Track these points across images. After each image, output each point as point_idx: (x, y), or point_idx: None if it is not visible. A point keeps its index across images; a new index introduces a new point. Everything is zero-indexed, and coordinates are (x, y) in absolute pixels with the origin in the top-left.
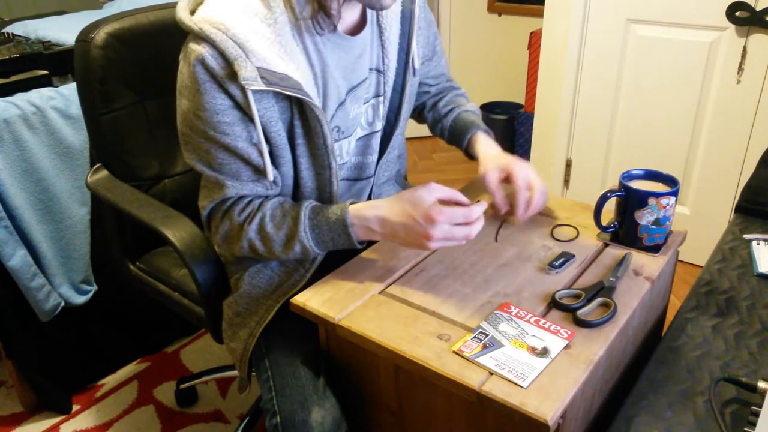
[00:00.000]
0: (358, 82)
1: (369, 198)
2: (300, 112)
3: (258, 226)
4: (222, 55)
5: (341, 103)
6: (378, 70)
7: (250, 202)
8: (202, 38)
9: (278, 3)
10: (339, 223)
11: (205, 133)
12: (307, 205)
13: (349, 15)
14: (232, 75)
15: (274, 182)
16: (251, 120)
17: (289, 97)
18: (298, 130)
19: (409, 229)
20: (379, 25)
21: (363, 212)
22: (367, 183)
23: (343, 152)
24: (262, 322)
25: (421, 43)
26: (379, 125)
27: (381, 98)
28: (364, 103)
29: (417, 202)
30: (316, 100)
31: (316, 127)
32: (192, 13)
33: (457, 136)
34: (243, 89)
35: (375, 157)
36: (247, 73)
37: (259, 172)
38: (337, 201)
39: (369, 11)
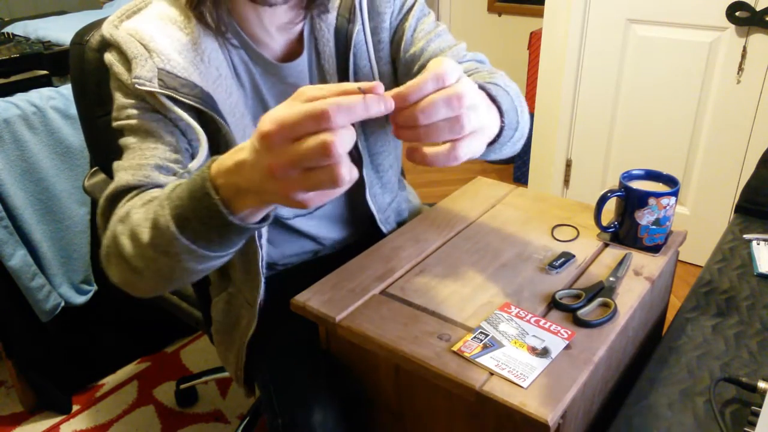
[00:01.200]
0: None
1: (370, 222)
2: (219, 130)
3: (126, 212)
4: (125, 56)
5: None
6: None
7: (144, 191)
8: (110, 44)
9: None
10: (197, 180)
11: (122, 128)
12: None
13: (281, 40)
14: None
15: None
16: (164, 111)
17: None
18: (222, 150)
19: (254, 168)
20: (317, 49)
21: (225, 161)
22: (346, 204)
23: None
24: (241, 357)
25: (384, 59)
26: None
27: None
28: None
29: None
30: (243, 120)
31: (224, 147)
32: (118, 28)
33: None
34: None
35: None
36: (142, 72)
37: (179, 162)
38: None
39: (306, 34)
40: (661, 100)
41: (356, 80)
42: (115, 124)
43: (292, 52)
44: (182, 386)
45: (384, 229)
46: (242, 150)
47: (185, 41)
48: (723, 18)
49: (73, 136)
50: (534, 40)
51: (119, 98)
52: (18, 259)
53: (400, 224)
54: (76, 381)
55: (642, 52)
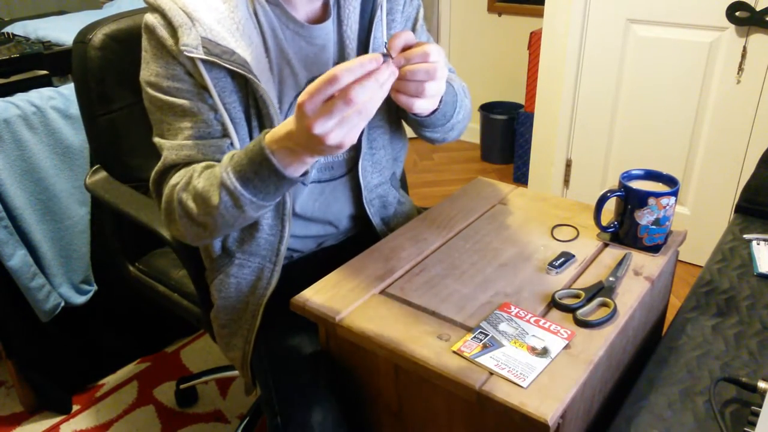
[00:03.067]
0: (320, 74)
1: (358, 204)
2: (253, 92)
3: (186, 182)
4: (170, 23)
5: (300, 92)
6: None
7: (192, 166)
8: (154, 8)
9: None
10: (256, 149)
11: (160, 100)
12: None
13: (308, 3)
14: (179, 42)
15: (229, 149)
16: (204, 87)
17: (243, 75)
18: (253, 110)
19: (300, 132)
20: (339, 18)
21: (277, 132)
22: (342, 182)
23: None
24: (253, 328)
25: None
26: None
27: None
28: None
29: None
30: (269, 84)
31: (264, 109)
32: None
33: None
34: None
35: (345, 155)
36: (188, 39)
37: (214, 137)
38: (297, 198)
39: (331, 1)
40: (661, 100)
41: (373, 51)
42: (151, 91)
43: (316, 17)
44: (182, 386)
45: (369, 212)
46: (289, 122)
47: (223, 10)
48: (723, 18)
49: (73, 136)
50: (534, 40)
51: (159, 65)
52: (18, 259)
53: (384, 220)
54: (76, 381)
55: (642, 52)
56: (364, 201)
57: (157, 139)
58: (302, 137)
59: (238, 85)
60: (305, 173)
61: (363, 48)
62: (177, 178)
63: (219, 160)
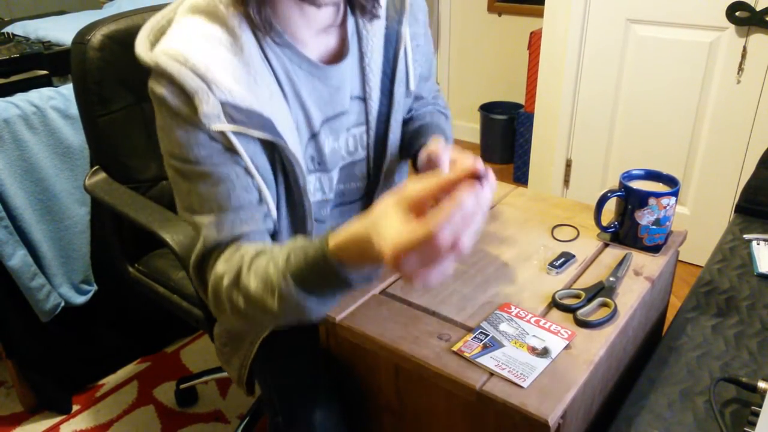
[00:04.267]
0: (335, 114)
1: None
2: (279, 151)
3: (236, 277)
4: (182, 90)
5: (314, 135)
6: (360, 98)
7: (236, 246)
8: (160, 74)
9: (241, 26)
10: (320, 261)
11: (188, 170)
12: (289, 246)
13: (322, 41)
14: (196, 111)
15: (268, 215)
16: (235, 152)
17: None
18: (280, 170)
19: (378, 258)
20: (360, 51)
21: (347, 245)
22: (354, 207)
23: (324, 187)
24: (249, 355)
25: (419, 61)
26: (362, 153)
27: (363, 127)
28: (346, 131)
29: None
30: (292, 134)
31: (289, 166)
32: (153, 45)
33: (417, 137)
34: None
35: (359, 184)
36: (207, 108)
37: (253, 204)
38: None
39: (350, 35)
40: (661, 100)
41: (398, 82)
42: (176, 162)
43: (333, 53)
44: (182, 386)
45: None
46: (363, 236)
47: (237, 63)
48: (723, 18)
49: (73, 136)
50: (534, 40)
51: (179, 135)
52: (18, 259)
53: None
54: (76, 381)
55: (642, 52)
56: None
57: (186, 215)
58: (379, 262)
59: (263, 145)
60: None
61: (389, 81)
62: (223, 266)
63: (262, 229)
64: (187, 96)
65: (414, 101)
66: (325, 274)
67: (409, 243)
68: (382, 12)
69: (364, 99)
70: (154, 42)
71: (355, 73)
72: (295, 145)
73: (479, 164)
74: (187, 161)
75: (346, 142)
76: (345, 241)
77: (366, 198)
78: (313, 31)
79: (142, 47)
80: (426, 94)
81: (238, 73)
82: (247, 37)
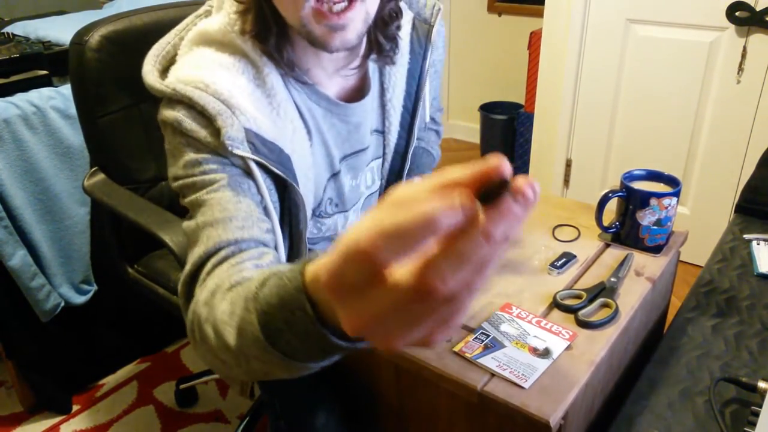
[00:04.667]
0: (353, 152)
1: None
2: (285, 188)
3: (210, 292)
4: (202, 113)
5: (334, 174)
6: (379, 131)
7: (238, 259)
8: (176, 101)
9: (263, 59)
10: (290, 287)
11: (196, 181)
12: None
13: (338, 82)
14: (217, 133)
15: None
16: (251, 177)
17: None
18: (286, 210)
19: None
20: (382, 86)
21: (322, 268)
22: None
23: (338, 226)
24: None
25: (433, 85)
26: (378, 184)
27: (380, 160)
28: (366, 166)
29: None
30: (303, 176)
31: (294, 209)
32: (163, 75)
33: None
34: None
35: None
36: (232, 132)
37: (260, 223)
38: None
39: (371, 72)
40: (661, 100)
41: (418, 115)
42: (183, 182)
43: (352, 90)
44: (182, 386)
45: None
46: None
47: (260, 95)
48: (723, 18)
49: (73, 136)
50: (534, 40)
51: (191, 154)
52: (18, 259)
53: None
54: (76, 381)
55: (642, 52)
56: None
57: (189, 223)
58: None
59: (275, 182)
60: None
61: (409, 116)
62: (208, 278)
63: (270, 247)
64: (206, 119)
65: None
66: (291, 310)
67: (333, 263)
68: (396, 59)
69: (382, 132)
70: (163, 70)
71: (375, 107)
72: (306, 187)
73: (504, 166)
74: (194, 176)
75: (365, 178)
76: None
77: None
78: (328, 73)
79: (151, 77)
80: (428, 114)
81: (260, 104)
82: (269, 68)
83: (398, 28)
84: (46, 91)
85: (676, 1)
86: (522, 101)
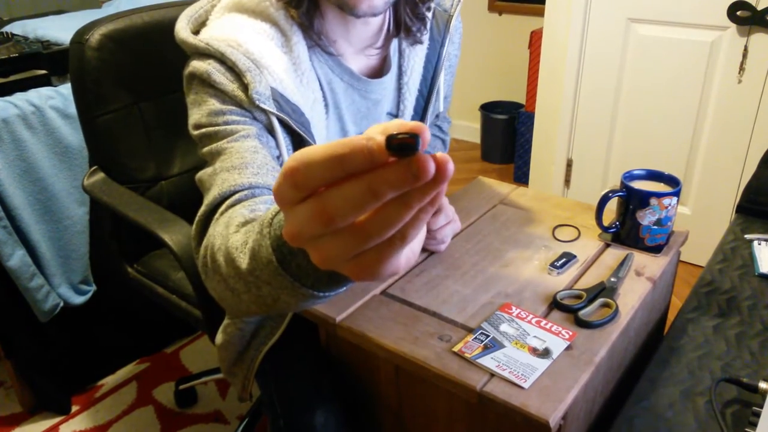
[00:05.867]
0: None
1: None
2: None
3: (224, 224)
4: (231, 68)
5: None
6: (392, 115)
7: (252, 202)
8: (207, 54)
9: (293, 29)
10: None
11: (217, 130)
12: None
13: (362, 60)
14: (244, 88)
15: None
16: (272, 133)
17: (299, 134)
18: None
19: None
20: (400, 68)
21: None
22: None
23: None
24: (252, 368)
25: (447, 81)
26: None
27: None
28: None
29: None
30: (321, 141)
31: None
32: (195, 34)
33: None
34: (255, 104)
35: None
36: (260, 87)
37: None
38: None
39: (391, 53)
40: (662, 99)
41: (431, 101)
42: (205, 130)
43: (374, 69)
44: (182, 387)
45: None
46: None
47: (287, 61)
48: (724, 17)
49: (72, 135)
50: (534, 40)
51: (215, 104)
52: (17, 259)
53: None
54: (76, 381)
55: (643, 51)
56: None
57: (208, 170)
58: None
59: (294, 143)
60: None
61: (424, 101)
62: (220, 214)
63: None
64: (236, 74)
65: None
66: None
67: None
68: (424, 39)
69: (396, 115)
70: (195, 31)
71: (393, 89)
72: None
73: (422, 133)
74: (215, 124)
75: None
76: None
77: None
78: (354, 49)
79: (185, 33)
80: (442, 108)
81: (287, 69)
82: (298, 38)
83: (428, 9)
84: (45, 90)
85: (677, 0)
86: (522, 101)
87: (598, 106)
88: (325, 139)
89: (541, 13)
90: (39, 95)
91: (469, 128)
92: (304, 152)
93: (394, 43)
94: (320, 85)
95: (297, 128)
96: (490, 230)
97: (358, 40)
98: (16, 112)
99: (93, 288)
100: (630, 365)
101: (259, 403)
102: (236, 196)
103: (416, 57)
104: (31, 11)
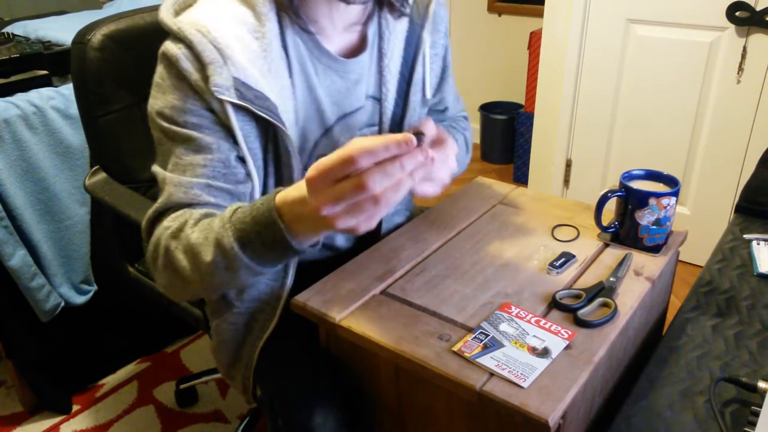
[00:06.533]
0: (352, 110)
1: (378, 231)
2: (275, 140)
3: (178, 228)
4: (198, 58)
5: (327, 129)
6: (375, 98)
7: (194, 208)
8: (179, 39)
9: (269, 15)
10: (263, 209)
11: (173, 131)
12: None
13: (345, 37)
14: (206, 80)
15: (250, 196)
16: (228, 129)
17: (268, 121)
18: (272, 158)
19: (310, 208)
20: (380, 50)
21: (289, 194)
22: None
23: None
24: (251, 365)
25: (435, 71)
26: None
27: (376, 128)
28: (359, 131)
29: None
30: (292, 129)
31: (285, 158)
32: (177, 14)
33: None
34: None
35: None
36: (220, 80)
37: (230, 181)
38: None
39: (370, 34)
40: (661, 100)
41: (414, 85)
42: (163, 123)
43: (353, 48)
44: (182, 386)
45: (384, 232)
46: (303, 186)
47: (255, 48)
48: (723, 18)
49: (73, 135)
50: (534, 40)
51: (177, 97)
52: (18, 259)
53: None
54: (76, 381)
55: (642, 52)
56: (382, 230)
57: (159, 170)
58: (310, 211)
59: (261, 130)
60: (315, 244)
61: (406, 84)
62: (170, 221)
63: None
64: (201, 64)
65: (438, 113)
66: (264, 223)
67: (326, 162)
68: (408, 11)
69: (379, 99)
70: (179, 12)
71: (373, 72)
72: (293, 132)
73: (428, 129)
74: (174, 123)
75: None
76: (293, 196)
77: None
78: (339, 28)
79: (166, 13)
80: (451, 106)
81: (255, 57)
82: (271, 26)
83: None
84: (46, 91)
85: (676, 1)
86: (522, 101)
87: (597, 107)
88: (295, 123)
89: (540, 14)
90: (40, 96)
91: None
92: (361, 143)
93: (374, 25)
94: (290, 70)
95: (262, 113)
96: (490, 230)
97: (341, 20)
98: (18, 112)
99: (94, 288)
100: (629, 365)
101: (259, 402)
102: (179, 210)
103: (396, 39)
104: (32, 12)
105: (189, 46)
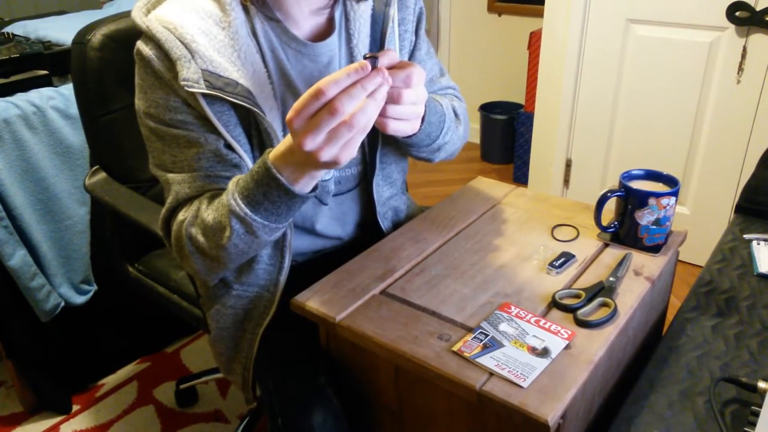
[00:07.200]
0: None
1: (370, 213)
2: (257, 124)
3: (194, 215)
4: (167, 56)
5: None
6: None
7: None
8: (149, 38)
9: (233, 3)
10: (261, 170)
11: (161, 131)
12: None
13: (312, 20)
14: (177, 76)
15: None
16: (207, 119)
17: (246, 107)
18: (256, 142)
19: (296, 149)
20: (348, 31)
21: (279, 149)
22: (350, 196)
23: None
24: (251, 356)
25: (407, 48)
26: None
27: None
28: None
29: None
30: (273, 113)
31: (268, 141)
32: (149, 12)
33: None
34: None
35: (354, 170)
36: (188, 74)
37: (227, 166)
38: (317, 216)
39: (337, 16)
40: (661, 100)
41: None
42: (150, 122)
43: (321, 33)
44: (182, 386)
45: (383, 225)
46: (289, 138)
47: (222, 38)
48: (723, 18)
49: (73, 135)
50: (534, 40)
51: (158, 96)
52: (18, 259)
53: (396, 225)
54: (76, 381)
55: (642, 52)
56: (378, 215)
57: (159, 171)
58: (299, 154)
59: (240, 116)
60: (315, 188)
61: (377, 62)
62: (184, 213)
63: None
64: (170, 62)
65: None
66: (266, 182)
67: (299, 101)
68: (363, 4)
69: None
70: (150, 11)
71: (344, 54)
72: (274, 116)
73: (387, 56)
74: (162, 122)
75: None
76: (282, 149)
77: (364, 183)
78: (306, 13)
79: (137, 12)
80: (432, 74)
81: (222, 46)
82: (237, 14)
83: None
84: (46, 91)
85: (676, 1)
86: (522, 101)
87: (597, 107)
88: (276, 107)
89: (540, 14)
90: (40, 95)
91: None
92: (326, 77)
93: (340, 7)
94: (262, 55)
95: (234, 99)
96: (490, 230)
97: (307, 5)
98: (17, 112)
99: (94, 288)
100: (629, 365)
101: (259, 402)
102: (189, 202)
103: (362, 19)
104: (32, 12)
105: (158, 45)
